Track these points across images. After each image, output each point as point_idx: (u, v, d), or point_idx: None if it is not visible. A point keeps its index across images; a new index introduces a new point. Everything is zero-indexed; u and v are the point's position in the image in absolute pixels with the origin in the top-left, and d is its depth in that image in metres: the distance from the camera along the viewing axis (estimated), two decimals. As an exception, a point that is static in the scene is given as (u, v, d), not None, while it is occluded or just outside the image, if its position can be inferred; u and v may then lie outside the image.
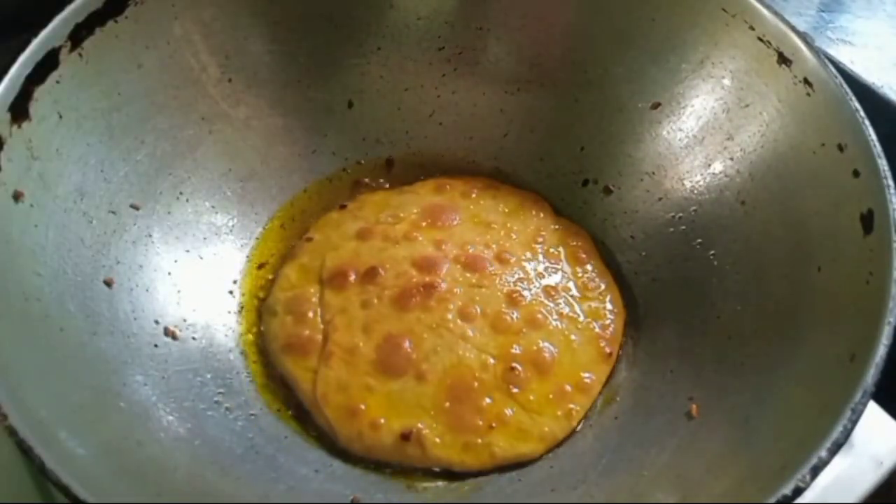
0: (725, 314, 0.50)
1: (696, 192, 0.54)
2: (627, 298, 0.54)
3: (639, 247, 0.55)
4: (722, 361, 0.48)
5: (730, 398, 0.45)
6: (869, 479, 0.49)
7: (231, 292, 0.54)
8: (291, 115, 0.58)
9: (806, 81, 0.49)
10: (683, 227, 0.53)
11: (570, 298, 0.53)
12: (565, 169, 0.58)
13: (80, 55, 0.48)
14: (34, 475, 0.43)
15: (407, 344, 0.50)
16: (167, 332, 0.49)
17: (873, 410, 0.51)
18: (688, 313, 0.51)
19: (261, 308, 0.54)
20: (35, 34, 0.47)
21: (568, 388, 0.50)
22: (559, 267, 0.55)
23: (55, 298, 0.44)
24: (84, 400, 0.42)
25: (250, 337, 0.52)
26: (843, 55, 0.63)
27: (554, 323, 0.52)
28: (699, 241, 0.53)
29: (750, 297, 0.49)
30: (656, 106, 0.55)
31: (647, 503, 0.43)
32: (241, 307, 0.53)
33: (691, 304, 0.51)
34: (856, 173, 0.45)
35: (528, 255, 0.55)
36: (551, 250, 0.55)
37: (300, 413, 0.50)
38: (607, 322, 0.53)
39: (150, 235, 0.51)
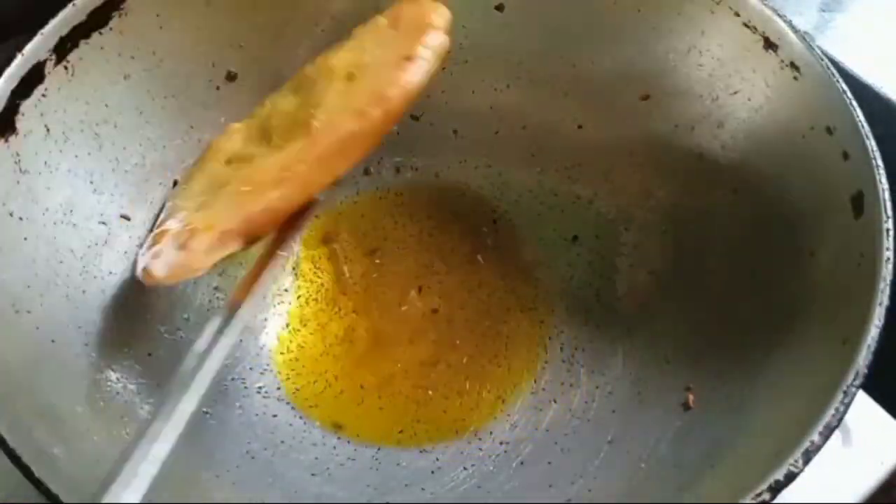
0: (720, 303, 0.49)
1: (687, 181, 0.53)
2: (623, 291, 0.54)
3: (632, 239, 0.55)
4: (717, 350, 0.47)
5: (725, 386, 0.45)
6: (870, 479, 0.48)
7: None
8: (280, 119, 0.58)
9: (793, 65, 0.48)
10: (675, 218, 0.53)
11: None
12: (557, 164, 0.58)
13: (66, 68, 0.48)
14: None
15: None
16: (161, 342, 0.49)
17: (874, 410, 0.51)
18: (683, 303, 0.51)
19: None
20: (18, 48, 0.47)
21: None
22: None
23: (46, 310, 0.45)
24: (77, 410, 0.42)
25: (244, 342, 0.52)
26: (843, 55, 0.62)
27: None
28: (691, 230, 0.52)
29: (743, 284, 0.48)
30: (645, 97, 0.55)
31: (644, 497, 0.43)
32: (235, 313, 0.53)
33: (686, 293, 0.51)
34: (845, 155, 0.45)
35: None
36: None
37: (297, 417, 0.50)
38: None
39: (141, 246, 0.51)
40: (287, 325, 0.53)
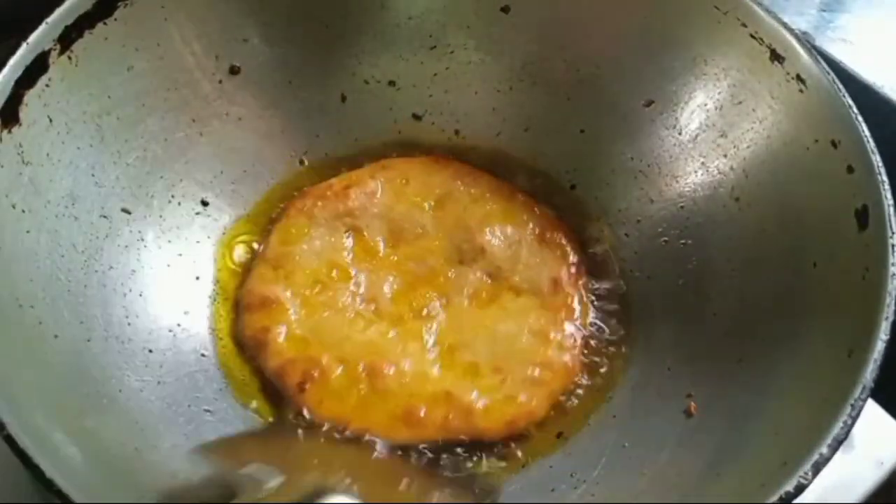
0: (722, 311, 0.50)
1: (689, 189, 0.54)
2: (623, 297, 0.54)
3: (633, 245, 0.55)
4: (719, 359, 0.48)
5: (728, 395, 0.46)
6: (870, 479, 0.49)
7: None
8: (283, 116, 0.57)
9: (798, 78, 0.49)
10: (678, 225, 0.54)
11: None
12: (558, 167, 0.58)
13: (70, 58, 0.48)
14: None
15: None
16: (162, 337, 0.49)
17: (874, 410, 0.52)
18: (684, 311, 0.51)
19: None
20: (24, 37, 0.46)
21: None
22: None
23: (49, 305, 0.44)
24: (81, 407, 0.42)
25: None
26: (843, 55, 0.63)
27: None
28: (694, 238, 0.53)
29: (746, 293, 0.49)
30: (649, 104, 0.55)
31: (648, 503, 0.43)
32: (236, 310, 0.53)
33: (687, 301, 0.51)
34: (850, 169, 0.45)
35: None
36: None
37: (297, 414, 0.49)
38: None
39: (143, 239, 0.51)
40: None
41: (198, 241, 0.53)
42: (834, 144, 0.47)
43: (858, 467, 0.49)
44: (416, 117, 0.59)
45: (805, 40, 0.50)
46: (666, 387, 0.49)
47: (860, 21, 0.70)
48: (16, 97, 0.45)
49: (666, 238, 0.54)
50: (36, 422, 0.38)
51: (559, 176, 0.58)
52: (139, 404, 0.45)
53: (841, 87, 0.47)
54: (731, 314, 0.49)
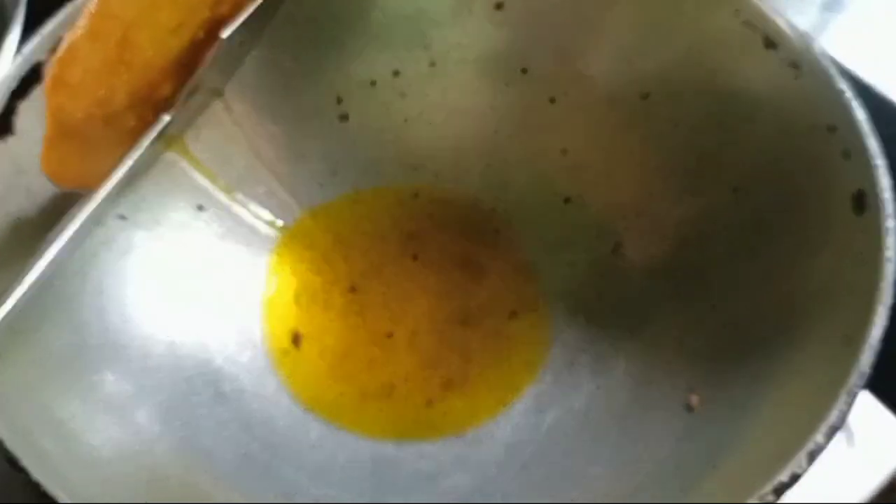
0: (722, 303, 0.49)
1: (686, 180, 0.53)
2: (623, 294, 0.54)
3: (633, 239, 0.54)
4: (719, 351, 0.47)
5: (728, 388, 0.45)
6: (871, 479, 0.49)
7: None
8: (279, 121, 0.57)
9: (793, 64, 0.48)
10: (676, 218, 0.53)
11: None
12: (557, 163, 0.58)
13: (64, 68, 0.48)
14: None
15: None
16: (158, 342, 0.49)
17: (878, 410, 0.51)
18: (685, 304, 0.51)
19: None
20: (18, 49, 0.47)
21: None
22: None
23: (42, 311, 0.44)
24: (74, 412, 0.42)
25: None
26: (843, 55, 0.62)
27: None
28: (693, 230, 0.52)
29: (745, 285, 0.48)
30: (645, 96, 0.55)
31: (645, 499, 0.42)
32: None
33: (687, 294, 0.51)
34: (846, 154, 0.45)
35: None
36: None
37: (296, 420, 0.49)
38: None
39: (140, 245, 0.51)
40: (286, 328, 0.53)
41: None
42: (830, 129, 0.46)
43: (862, 468, 0.49)
44: (414, 117, 0.59)
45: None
46: (667, 381, 0.48)
47: (860, 21, 0.69)
48: (10, 108, 0.46)
49: (665, 231, 0.53)
50: (27, 426, 0.38)
51: (558, 171, 0.57)
52: (135, 409, 0.45)
53: (835, 71, 0.47)
54: (731, 306, 0.48)
